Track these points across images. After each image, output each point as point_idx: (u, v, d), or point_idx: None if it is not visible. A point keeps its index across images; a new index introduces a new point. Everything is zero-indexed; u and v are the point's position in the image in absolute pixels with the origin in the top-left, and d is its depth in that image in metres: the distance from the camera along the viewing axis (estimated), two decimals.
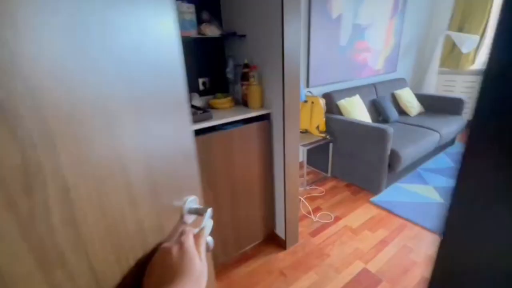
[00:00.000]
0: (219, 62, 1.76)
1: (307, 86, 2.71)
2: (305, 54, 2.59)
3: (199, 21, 1.52)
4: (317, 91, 2.81)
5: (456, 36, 3.52)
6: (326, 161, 2.71)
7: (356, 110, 2.68)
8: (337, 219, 2.08)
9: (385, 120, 2.94)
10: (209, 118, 1.35)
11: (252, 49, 1.56)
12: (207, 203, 1.48)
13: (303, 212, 2.18)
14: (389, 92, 3.26)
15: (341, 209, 2.20)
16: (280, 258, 1.74)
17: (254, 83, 1.54)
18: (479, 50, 3.56)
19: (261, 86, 1.55)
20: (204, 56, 1.71)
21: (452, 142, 3.24)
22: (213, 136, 1.39)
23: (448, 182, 2.49)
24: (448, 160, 2.91)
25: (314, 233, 1.94)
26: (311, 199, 2.37)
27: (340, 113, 2.67)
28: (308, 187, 2.55)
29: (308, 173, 2.81)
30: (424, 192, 2.36)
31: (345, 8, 2.70)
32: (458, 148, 3.16)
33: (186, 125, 0.51)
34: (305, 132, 2.61)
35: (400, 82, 3.46)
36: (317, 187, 2.55)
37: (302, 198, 2.33)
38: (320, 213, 2.16)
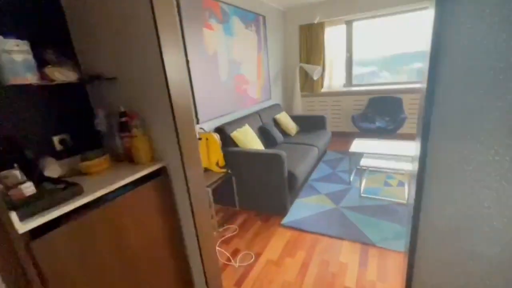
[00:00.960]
0: (83, 112, 1.37)
1: (197, 122, 2.58)
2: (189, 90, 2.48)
3: (42, 63, 1.12)
4: (208, 126, 2.73)
5: (306, 67, 4.39)
6: (232, 195, 2.62)
7: (249, 139, 2.77)
8: (257, 256, 1.99)
9: (274, 144, 3.20)
10: (77, 193, 0.96)
11: (128, 93, 1.29)
12: None
13: (223, 260, 1.96)
14: (271, 118, 3.62)
15: (258, 243, 2.13)
16: None
17: (138, 134, 1.26)
18: (324, 77, 4.56)
19: (148, 136, 1.29)
20: (59, 107, 1.28)
21: (325, 152, 3.91)
22: (90, 215, 1.00)
23: (332, 187, 2.92)
24: (327, 167, 3.46)
25: (239, 282, 1.76)
26: (226, 241, 2.18)
27: (235, 145, 2.68)
28: (220, 229, 2.36)
29: (217, 213, 2.63)
30: (319, 202, 2.65)
31: (218, 45, 2.82)
32: (330, 156, 3.84)
33: None
34: (204, 171, 2.44)
35: (277, 108, 3.92)
36: (229, 225, 2.40)
37: (218, 248, 2.10)
38: (240, 255, 2.00)
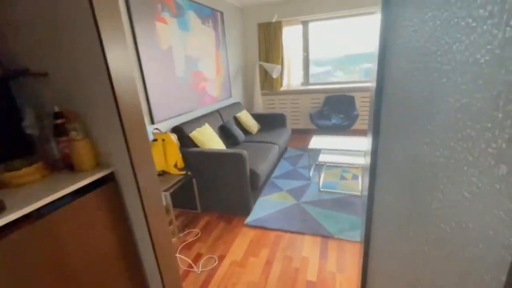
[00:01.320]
0: (7, 114, 1.16)
1: (152, 123, 2.42)
2: (141, 88, 2.30)
3: None
4: (165, 126, 2.58)
5: (266, 65, 4.42)
6: (193, 198, 2.52)
7: (209, 138, 2.69)
8: (221, 258, 1.94)
9: (235, 143, 3.16)
10: None
11: (65, 92, 1.13)
12: None
13: (184, 267, 1.87)
14: (232, 116, 3.57)
15: (221, 245, 2.08)
16: None
17: (78, 137, 1.11)
18: (283, 75, 4.65)
19: (91, 139, 1.15)
20: None
21: (285, 149, 4.00)
22: (19, 235, 0.85)
23: (293, 183, 2.99)
24: (287, 164, 3.54)
25: None
26: (188, 247, 2.09)
27: (195, 145, 2.57)
28: (181, 234, 2.25)
29: (177, 217, 2.50)
30: (281, 198, 2.70)
31: (173, 40, 2.67)
32: (290, 153, 3.93)
33: None
34: (162, 174, 2.29)
35: (237, 106, 3.88)
36: (191, 230, 2.30)
37: (178, 255, 2.00)
38: (202, 260, 1.93)
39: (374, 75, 0.79)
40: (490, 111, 0.20)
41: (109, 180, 1.17)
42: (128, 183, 1.19)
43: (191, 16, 2.99)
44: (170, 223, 2.23)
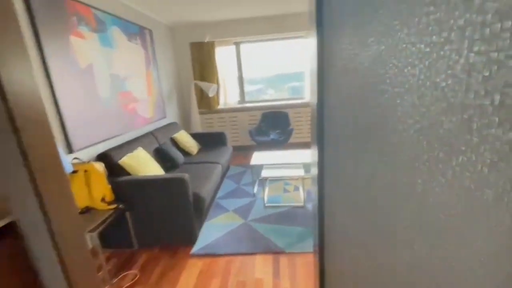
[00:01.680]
0: None
1: (70, 152, 2.05)
2: (53, 112, 1.94)
3: None
4: (87, 154, 2.22)
5: (201, 84, 4.36)
6: (128, 234, 2.19)
7: (143, 163, 2.43)
8: None
9: (174, 166, 2.95)
10: None
11: None
12: None
13: None
14: (169, 137, 3.34)
15: (165, 284, 1.84)
16: None
17: None
18: (219, 94, 4.66)
19: None
20: None
21: (228, 167, 3.93)
22: None
23: (239, 202, 2.94)
24: (231, 183, 3.48)
25: None
26: None
27: (127, 173, 2.28)
28: (114, 280, 1.90)
29: (108, 260, 2.12)
30: (228, 220, 2.60)
31: (94, 58, 2.38)
32: (233, 171, 3.89)
33: None
34: (86, 211, 1.93)
35: (174, 126, 3.67)
36: (127, 272, 1.97)
37: None
38: None
39: (314, 93, 0.83)
40: (461, 135, 0.20)
41: (7, 233, 0.90)
42: (37, 232, 0.94)
43: (115, 32, 2.74)
44: (100, 269, 1.87)
